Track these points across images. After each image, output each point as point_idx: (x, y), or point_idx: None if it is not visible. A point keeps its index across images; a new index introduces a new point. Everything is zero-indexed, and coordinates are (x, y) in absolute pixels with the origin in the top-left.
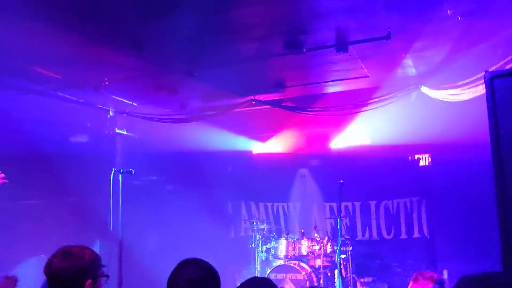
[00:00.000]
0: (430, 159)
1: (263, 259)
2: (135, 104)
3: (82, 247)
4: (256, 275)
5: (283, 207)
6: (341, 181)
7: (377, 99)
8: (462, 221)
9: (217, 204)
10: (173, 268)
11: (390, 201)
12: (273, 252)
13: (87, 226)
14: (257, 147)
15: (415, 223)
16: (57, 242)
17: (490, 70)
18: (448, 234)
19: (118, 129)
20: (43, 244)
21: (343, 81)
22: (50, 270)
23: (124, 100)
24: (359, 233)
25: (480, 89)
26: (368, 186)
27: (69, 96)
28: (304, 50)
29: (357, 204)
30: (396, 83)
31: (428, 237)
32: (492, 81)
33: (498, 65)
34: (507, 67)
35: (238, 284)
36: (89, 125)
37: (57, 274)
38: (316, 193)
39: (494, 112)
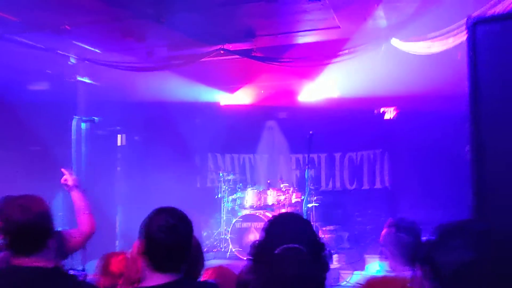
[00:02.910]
0: (395, 112)
1: (229, 209)
2: (98, 51)
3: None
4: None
5: (249, 158)
6: (311, 131)
7: (347, 51)
8: (423, 172)
9: (183, 156)
10: (139, 218)
11: (355, 153)
12: (239, 202)
13: (49, 176)
14: (225, 99)
15: (377, 174)
16: (19, 193)
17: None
18: (409, 185)
19: (80, 76)
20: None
21: (314, 31)
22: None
23: (86, 46)
24: (323, 184)
25: (450, 42)
26: (334, 138)
27: (27, 41)
28: None
29: (323, 156)
30: (367, 35)
31: (390, 188)
32: (475, 27)
33: (477, 12)
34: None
35: (204, 234)
36: (49, 72)
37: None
38: (283, 145)
39: (474, 61)
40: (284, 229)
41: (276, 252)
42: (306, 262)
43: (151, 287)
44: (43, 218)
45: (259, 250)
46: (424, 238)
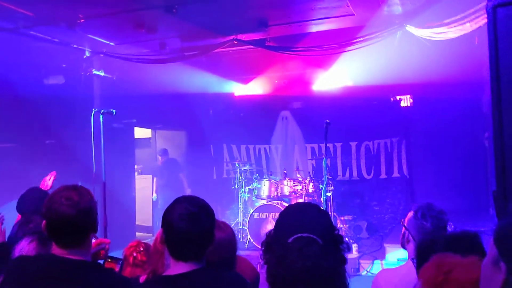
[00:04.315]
0: (411, 100)
1: (246, 199)
2: (112, 43)
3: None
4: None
5: (265, 149)
6: (327, 120)
7: (361, 39)
8: (441, 160)
9: (199, 147)
10: (157, 209)
11: (371, 141)
12: (256, 193)
13: (68, 169)
14: (239, 89)
15: (395, 162)
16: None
17: None
18: (427, 173)
19: (95, 70)
20: (23, 188)
21: (328, 19)
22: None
23: (100, 39)
24: (340, 173)
25: (467, 27)
26: (349, 127)
27: (42, 35)
28: None
29: (338, 145)
30: (381, 22)
31: (408, 176)
32: (495, 10)
33: None
34: None
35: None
36: (64, 66)
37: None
38: (297, 135)
39: (495, 45)
40: (298, 218)
41: (288, 241)
42: (319, 253)
43: (171, 276)
44: (89, 213)
45: (271, 240)
46: (449, 228)
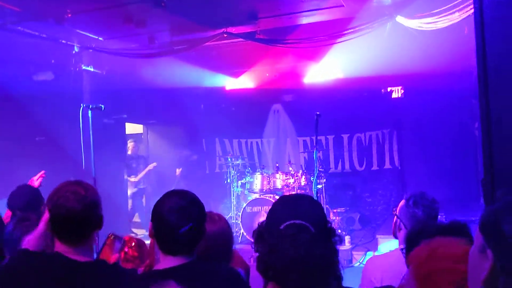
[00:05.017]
0: (402, 91)
1: (239, 193)
2: (100, 38)
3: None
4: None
5: (257, 143)
6: (318, 112)
7: (351, 30)
8: (432, 151)
9: (191, 142)
10: (149, 204)
11: (363, 133)
12: (248, 187)
13: (58, 165)
14: (230, 83)
15: (387, 154)
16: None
17: None
18: (418, 164)
19: (84, 65)
20: (12, 185)
21: (318, 11)
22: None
23: (89, 34)
24: (332, 166)
25: (456, 16)
26: (341, 119)
27: (29, 31)
28: None
29: (330, 137)
30: (371, 13)
31: (399, 168)
32: None
33: None
34: None
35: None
36: (53, 61)
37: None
38: (289, 128)
39: (482, 33)
40: (292, 207)
41: (280, 228)
42: (312, 241)
43: (160, 270)
44: (95, 207)
45: (263, 229)
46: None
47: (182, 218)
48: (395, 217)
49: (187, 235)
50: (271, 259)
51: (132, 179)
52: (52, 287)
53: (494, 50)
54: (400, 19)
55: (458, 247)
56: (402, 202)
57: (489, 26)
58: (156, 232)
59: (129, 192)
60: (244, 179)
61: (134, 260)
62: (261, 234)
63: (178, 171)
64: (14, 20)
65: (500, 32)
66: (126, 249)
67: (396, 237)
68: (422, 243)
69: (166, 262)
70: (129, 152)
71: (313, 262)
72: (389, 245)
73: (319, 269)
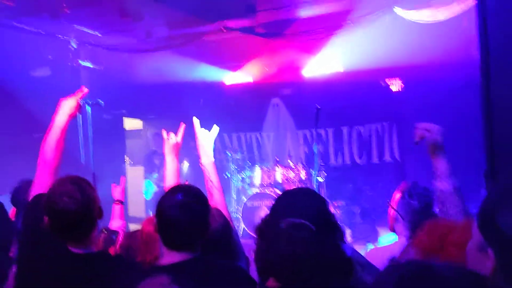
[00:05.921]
0: (402, 83)
1: (239, 188)
2: (98, 34)
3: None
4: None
5: (256, 137)
6: (318, 106)
7: (350, 22)
8: None
9: (190, 137)
10: (148, 200)
11: (362, 126)
12: (248, 181)
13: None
14: (229, 78)
15: (386, 147)
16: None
17: None
18: (419, 157)
19: (82, 61)
20: (10, 183)
21: (316, 4)
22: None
23: (86, 29)
24: (332, 159)
25: (455, 8)
26: (340, 112)
27: (25, 26)
28: None
29: (330, 130)
30: (369, 5)
31: (399, 160)
32: None
33: None
34: None
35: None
36: (50, 57)
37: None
38: (289, 122)
39: (484, 24)
40: (293, 203)
41: (280, 226)
42: (311, 239)
43: (163, 266)
44: (90, 205)
45: (263, 225)
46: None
47: (184, 213)
48: (392, 210)
49: (190, 230)
50: (269, 256)
51: (155, 176)
52: (59, 277)
53: (496, 41)
54: (399, 11)
55: (468, 233)
56: (397, 195)
57: (491, 17)
58: (159, 227)
59: (150, 193)
60: (244, 173)
61: (129, 250)
62: (262, 230)
63: (185, 165)
64: (9, 15)
65: (503, 23)
66: (120, 241)
67: (393, 231)
68: (427, 224)
69: (169, 257)
70: (153, 148)
71: (312, 262)
72: (389, 236)
73: (317, 267)
